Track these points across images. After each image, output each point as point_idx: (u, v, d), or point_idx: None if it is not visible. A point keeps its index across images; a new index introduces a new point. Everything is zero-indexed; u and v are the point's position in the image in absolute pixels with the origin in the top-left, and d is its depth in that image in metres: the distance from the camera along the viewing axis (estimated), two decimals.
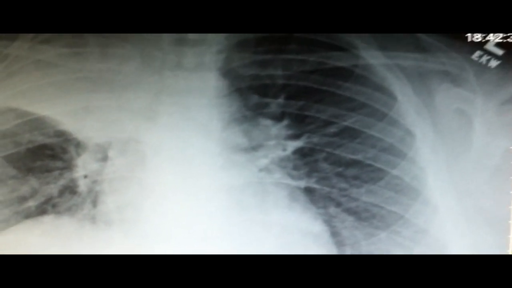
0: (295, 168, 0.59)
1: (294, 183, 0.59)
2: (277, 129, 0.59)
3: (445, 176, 0.59)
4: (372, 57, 0.60)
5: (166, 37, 0.60)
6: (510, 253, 0.58)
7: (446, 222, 0.59)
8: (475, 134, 0.59)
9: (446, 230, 0.59)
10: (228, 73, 0.60)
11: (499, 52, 0.59)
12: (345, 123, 0.59)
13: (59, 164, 0.59)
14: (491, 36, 0.58)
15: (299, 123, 0.59)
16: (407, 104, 0.59)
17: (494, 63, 0.59)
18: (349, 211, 0.59)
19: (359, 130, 0.59)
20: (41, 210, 0.59)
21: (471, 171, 0.59)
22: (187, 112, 0.60)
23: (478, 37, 0.59)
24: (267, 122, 0.59)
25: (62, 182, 0.59)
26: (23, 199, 0.59)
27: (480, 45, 0.59)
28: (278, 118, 0.59)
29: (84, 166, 0.59)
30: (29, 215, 0.59)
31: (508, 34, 0.58)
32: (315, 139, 0.59)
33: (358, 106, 0.59)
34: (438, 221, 0.59)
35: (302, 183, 0.59)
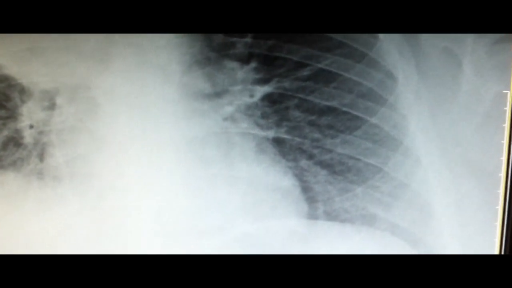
0: (263, 116, 0.57)
1: (262, 133, 0.57)
2: (243, 73, 0.57)
3: (429, 124, 0.57)
4: None
5: None
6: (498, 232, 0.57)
7: (429, 175, 0.57)
8: (464, 76, 0.57)
9: (429, 184, 0.57)
10: None
11: None
12: (320, 65, 0.57)
13: (1, 113, 0.56)
14: None
15: (268, 65, 0.57)
16: (389, 42, 0.57)
17: None
18: (322, 164, 0.57)
19: (335, 73, 0.57)
20: None
21: (458, 118, 0.57)
22: (143, 54, 0.57)
23: None
24: (233, 64, 0.57)
25: (5, 133, 0.57)
26: None
27: None
28: (245, 60, 0.57)
29: (29, 115, 0.57)
30: None
31: None
32: (286, 83, 0.57)
33: (334, 45, 0.56)
34: (420, 175, 0.57)
35: (271, 133, 0.57)
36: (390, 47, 0.56)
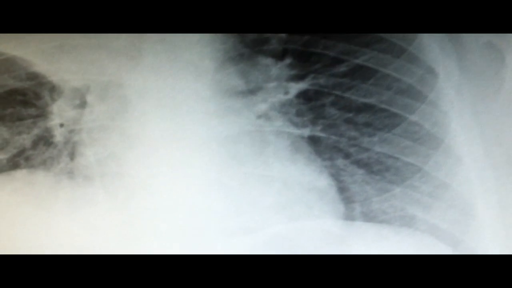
0: (299, 114, 0.56)
1: (297, 131, 0.56)
2: (278, 69, 0.56)
3: (471, 122, 0.56)
4: None
5: None
6: None
7: (471, 175, 0.56)
8: (507, 72, 0.56)
9: (471, 184, 0.56)
10: None
11: None
12: (357, 61, 0.56)
13: (32, 111, 0.56)
14: None
15: (303, 61, 0.56)
16: (429, 37, 0.56)
17: None
18: (359, 163, 0.56)
19: (373, 69, 0.56)
20: (13, 164, 0.56)
21: (501, 115, 0.56)
22: (175, 50, 0.57)
23: None
24: (267, 61, 0.56)
25: (35, 131, 0.56)
26: None
27: None
28: (279, 56, 0.56)
29: (59, 114, 0.56)
30: None
31: None
32: (322, 80, 0.56)
33: (372, 40, 0.56)
34: (462, 174, 0.56)
35: (306, 132, 0.56)
36: (431, 42, 0.56)
